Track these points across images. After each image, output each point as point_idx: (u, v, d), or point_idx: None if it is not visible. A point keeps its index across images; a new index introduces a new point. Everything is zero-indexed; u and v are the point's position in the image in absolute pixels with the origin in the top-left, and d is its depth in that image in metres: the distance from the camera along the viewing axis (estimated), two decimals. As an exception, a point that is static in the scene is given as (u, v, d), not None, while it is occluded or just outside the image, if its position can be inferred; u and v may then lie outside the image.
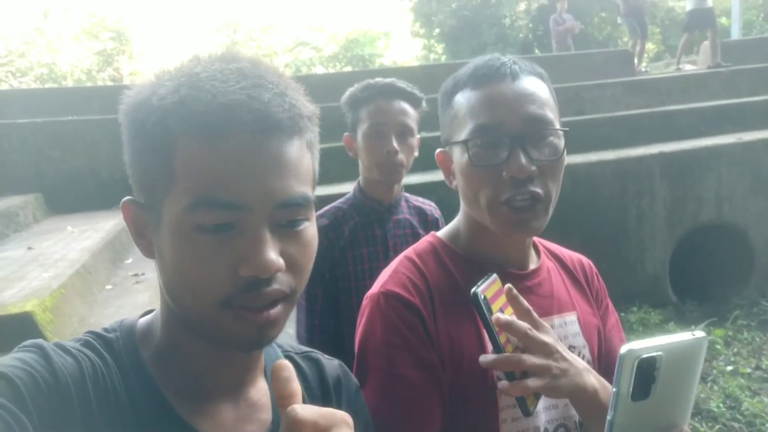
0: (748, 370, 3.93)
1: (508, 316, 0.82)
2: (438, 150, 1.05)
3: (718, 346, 4.29)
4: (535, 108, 0.92)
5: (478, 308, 0.81)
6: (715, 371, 3.95)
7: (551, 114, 0.94)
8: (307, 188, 0.67)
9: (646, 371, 0.68)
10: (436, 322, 0.93)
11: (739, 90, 7.86)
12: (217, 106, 0.61)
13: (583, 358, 0.99)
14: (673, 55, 11.77)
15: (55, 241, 4.01)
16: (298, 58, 27.28)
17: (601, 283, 1.16)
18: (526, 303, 0.85)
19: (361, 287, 1.70)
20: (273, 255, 0.61)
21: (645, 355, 0.68)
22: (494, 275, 0.88)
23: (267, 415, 0.74)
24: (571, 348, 0.99)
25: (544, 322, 0.86)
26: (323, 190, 4.63)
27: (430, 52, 23.19)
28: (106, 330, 0.70)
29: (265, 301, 0.63)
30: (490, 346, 0.87)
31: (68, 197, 5.46)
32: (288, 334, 3.34)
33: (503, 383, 0.81)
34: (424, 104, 1.82)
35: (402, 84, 1.78)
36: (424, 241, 1.07)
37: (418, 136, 1.82)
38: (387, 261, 1.84)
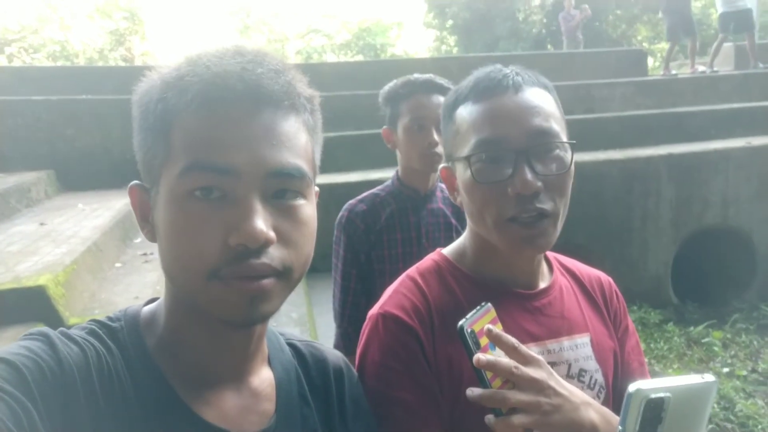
0: (744, 373, 3.97)
1: (490, 356, 0.77)
2: (441, 165, 1.02)
3: (716, 348, 4.33)
4: (540, 120, 0.88)
5: (464, 343, 0.77)
6: (711, 372, 3.99)
7: (557, 126, 0.90)
8: (301, 162, 0.66)
9: (654, 412, 0.67)
10: (434, 345, 0.90)
11: (751, 94, 7.83)
12: (210, 76, 0.63)
13: (594, 382, 0.96)
14: (686, 56, 11.68)
15: (67, 218, 4.08)
16: (310, 45, 27.21)
17: (621, 303, 1.10)
18: (511, 339, 0.79)
19: (395, 269, 1.78)
20: (261, 224, 0.61)
21: (653, 396, 0.67)
22: (488, 305, 0.83)
23: (270, 405, 0.74)
24: (582, 372, 0.96)
25: (536, 355, 0.81)
26: (331, 179, 4.67)
27: (442, 44, 23.09)
28: (110, 319, 0.70)
29: (254, 274, 0.62)
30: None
31: (80, 175, 5.52)
32: (292, 319, 3.41)
33: (489, 418, 0.78)
34: None
35: (440, 80, 1.88)
36: (429, 258, 1.03)
37: None
38: (419, 247, 1.93)
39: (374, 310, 0.96)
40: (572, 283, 1.06)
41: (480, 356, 0.75)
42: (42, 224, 3.86)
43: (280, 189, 0.65)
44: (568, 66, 9.08)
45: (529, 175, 0.85)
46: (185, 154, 0.62)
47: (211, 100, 0.62)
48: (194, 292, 0.64)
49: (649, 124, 6.21)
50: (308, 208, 0.68)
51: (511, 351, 0.79)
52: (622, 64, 9.34)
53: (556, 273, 1.04)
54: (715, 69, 8.79)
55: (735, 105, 7.00)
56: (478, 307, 0.81)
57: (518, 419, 0.75)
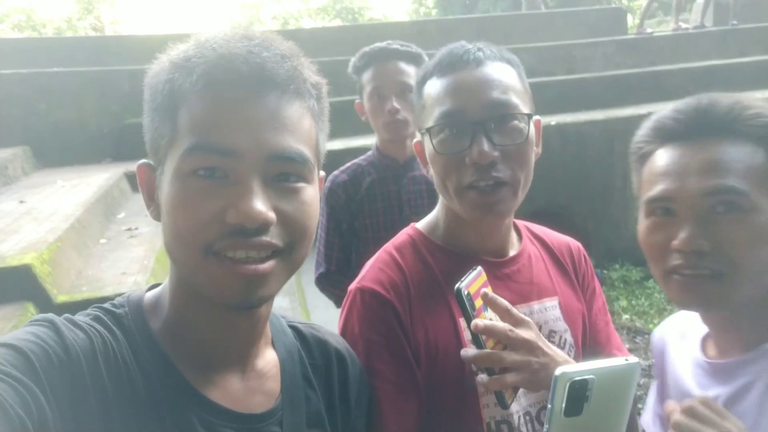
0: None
1: (486, 320, 0.82)
2: (415, 140, 1.06)
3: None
4: (498, 93, 0.92)
5: (461, 305, 0.82)
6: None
7: (516, 99, 0.94)
8: (303, 147, 0.67)
9: (579, 391, 0.73)
10: (411, 316, 0.95)
11: (730, 50, 7.86)
12: (216, 57, 0.64)
13: (564, 342, 1.02)
14: (666, 13, 11.64)
15: (47, 195, 4.01)
16: (286, 10, 26.56)
17: (589, 266, 1.16)
18: (504, 303, 0.85)
19: (377, 238, 1.81)
20: (260, 205, 0.62)
21: (577, 378, 0.73)
22: (479, 268, 0.88)
23: (275, 385, 0.76)
24: (552, 333, 1.01)
25: (525, 317, 0.87)
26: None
27: (421, 6, 22.69)
28: (113, 305, 0.71)
29: (250, 249, 0.64)
30: (466, 336, 0.91)
31: (56, 150, 5.41)
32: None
33: (482, 377, 0.83)
34: (425, 57, 1.86)
35: (395, 45, 1.86)
36: (404, 233, 1.08)
37: None
38: (401, 215, 1.95)
39: (353, 285, 1.00)
40: (541, 251, 1.11)
41: (478, 322, 0.81)
42: (22, 202, 3.79)
43: (282, 172, 0.66)
44: (547, 26, 9.01)
45: (485, 146, 0.90)
46: (189, 134, 0.64)
47: (216, 81, 0.64)
48: (192, 270, 0.65)
49: (629, 84, 6.23)
50: (310, 191, 0.69)
51: (504, 313, 0.85)
52: (602, 23, 9.29)
53: (525, 241, 1.09)
54: (705, 24, 8.77)
55: (713, 62, 7.03)
56: (471, 271, 0.87)
57: (511, 378, 0.82)
